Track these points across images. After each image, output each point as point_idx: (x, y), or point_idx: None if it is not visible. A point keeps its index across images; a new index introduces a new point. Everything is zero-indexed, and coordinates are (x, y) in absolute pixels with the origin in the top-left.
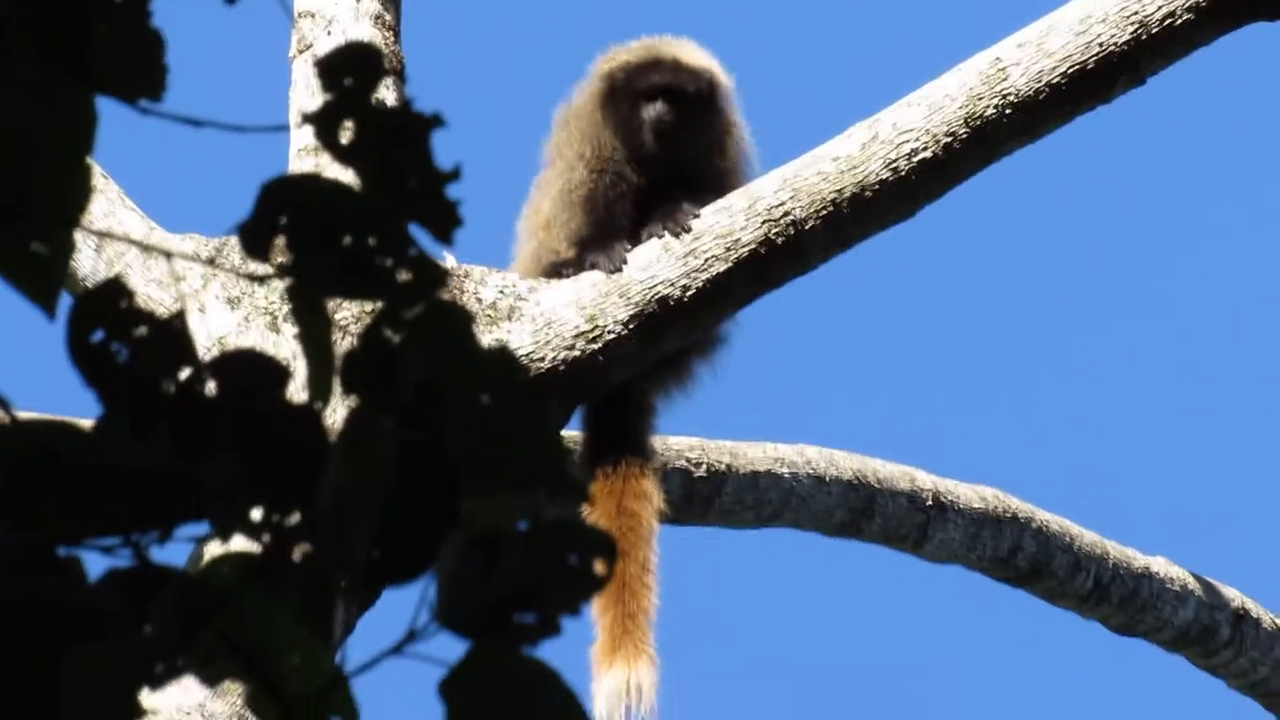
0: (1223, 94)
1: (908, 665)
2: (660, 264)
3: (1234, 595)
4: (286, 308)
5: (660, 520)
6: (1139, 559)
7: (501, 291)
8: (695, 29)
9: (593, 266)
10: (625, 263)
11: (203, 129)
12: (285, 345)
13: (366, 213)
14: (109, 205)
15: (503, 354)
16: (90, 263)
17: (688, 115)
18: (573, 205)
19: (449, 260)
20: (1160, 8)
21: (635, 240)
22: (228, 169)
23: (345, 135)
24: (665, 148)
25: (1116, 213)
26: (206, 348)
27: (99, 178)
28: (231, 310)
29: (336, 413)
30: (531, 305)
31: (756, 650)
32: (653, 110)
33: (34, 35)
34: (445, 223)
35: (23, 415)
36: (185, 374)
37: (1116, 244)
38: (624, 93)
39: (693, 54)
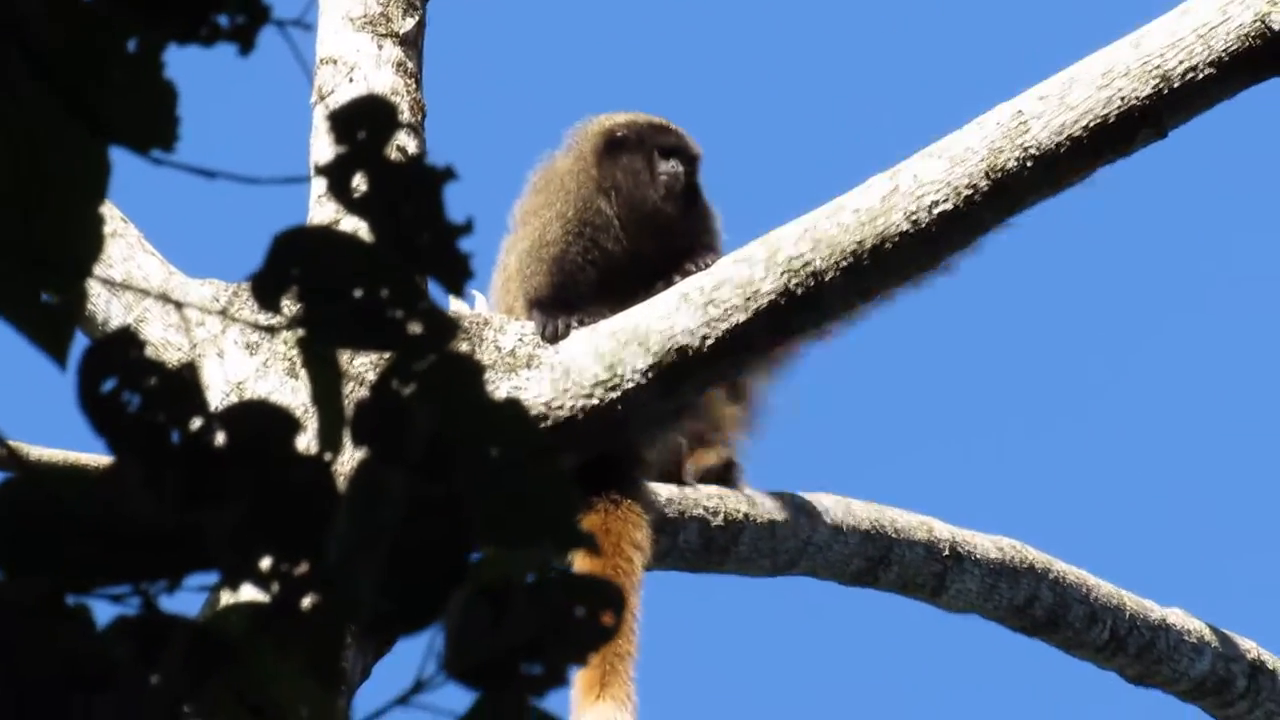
0: (1240, 145)
1: (923, 714)
2: (679, 313)
3: (1250, 647)
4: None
5: (647, 570)
6: (1156, 610)
7: (520, 339)
8: (717, 73)
9: (540, 330)
10: (564, 337)
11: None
12: (303, 391)
13: (378, 265)
14: (128, 249)
15: (513, 406)
16: (108, 306)
17: (691, 180)
18: (539, 262)
19: (470, 308)
20: (1181, 63)
21: (592, 315)
22: (248, 213)
23: (358, 187)
24: (672, 207)
25: (1134, 254)
26: (225, 393)
27: (119, 221)
28: (250, 356)
29: (347, 463)
30: (550, 354)
31: (772, 698)
32: (668, 166)
33: (46, 85)
34: (456, 275)
35: (34, 453)
36: (196, 423)
37: (1132, 286)
38: (634, 147)
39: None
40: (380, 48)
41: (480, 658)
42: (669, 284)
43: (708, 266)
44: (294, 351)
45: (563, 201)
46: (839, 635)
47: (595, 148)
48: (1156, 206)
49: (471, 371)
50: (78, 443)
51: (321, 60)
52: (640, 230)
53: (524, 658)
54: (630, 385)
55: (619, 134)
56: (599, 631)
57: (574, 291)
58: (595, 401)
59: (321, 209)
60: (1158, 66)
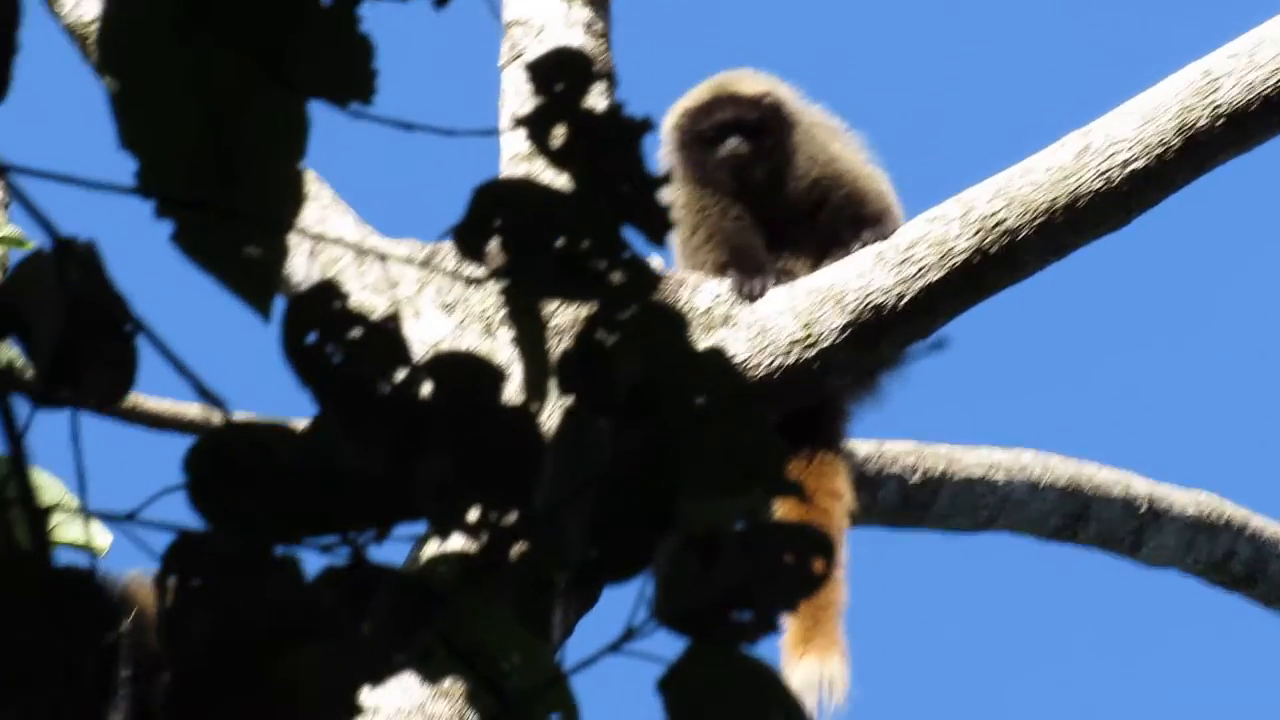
0: None
1: (1121, 666)
2: (874, 272)
3: None
4: (501, 313)
5: (851, 519)
6: None
7: (716, 298)
8: (897, 37)
9: (737, 289)
10: (761, 296)
11: (414, 133)
12: (500, 351)
13: (580, 215)
14: (322, 211)
15: (717, 355)
16: (304, 268)
17: (760, 144)
18: (701, 244)
19: (663, 267)
20: None
21: (786, 272)
22: (437, 179)
23: (557, 139)
24: (746, 181)
25: None
26: (421, 354)
27: (313, 182)
28: (447, 316)
29: (553, 414)
30: (746, 313)
31: (966, 650)
32: (724, 149)
33: (244, 40)
34: (657, 225)
35: (238, 417)
36: (400, 375)
37: None
38: (692, 140)
39: (750, 82)
40: (569, 7)
41: (690, 605)
42: (841, 246)
43: (879, 225)
44: (490, 311)
45: (679, 188)
46: (1039, 589)
47: (670, 150)
48: None
49: (675, 321)
50: (280, 409)
51: (510, 22)
52: (756, 201)
53: (734, 605)
54: (827, 344)
55: (680, 133)
56: (809, 578)
57: (755, 253)
58: (793, 360)
59: (514, 170)
60: None
